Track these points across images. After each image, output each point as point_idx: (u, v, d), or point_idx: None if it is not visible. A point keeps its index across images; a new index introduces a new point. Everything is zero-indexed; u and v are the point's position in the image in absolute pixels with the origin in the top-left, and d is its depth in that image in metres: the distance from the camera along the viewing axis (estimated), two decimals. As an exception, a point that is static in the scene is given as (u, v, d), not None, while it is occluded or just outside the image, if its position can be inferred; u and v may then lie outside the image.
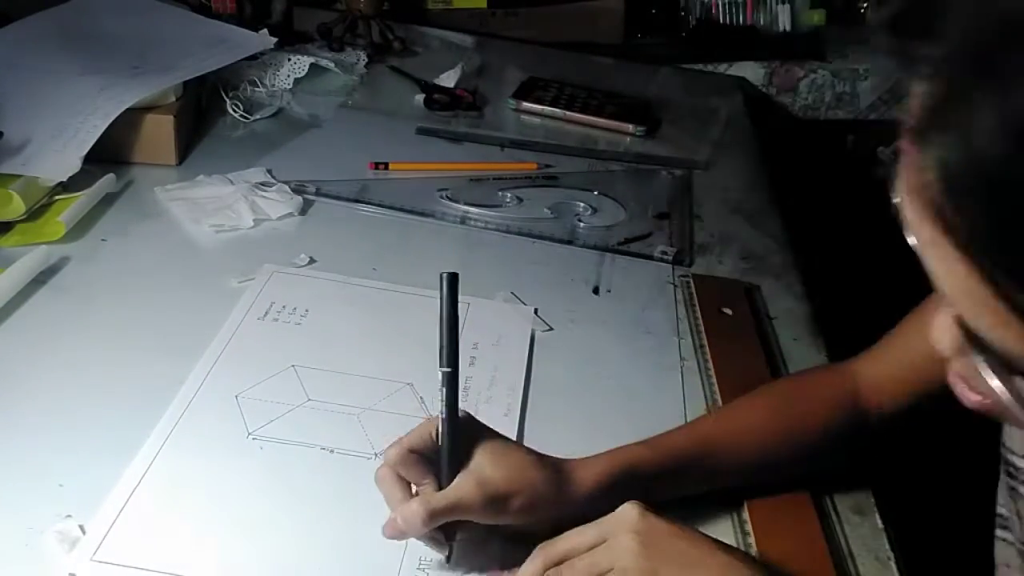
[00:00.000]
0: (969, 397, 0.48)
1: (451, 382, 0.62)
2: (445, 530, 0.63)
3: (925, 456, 1.09)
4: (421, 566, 0.64)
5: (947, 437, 1.10)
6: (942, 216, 0.38)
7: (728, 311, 0.93)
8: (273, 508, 0.67)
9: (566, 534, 0.61)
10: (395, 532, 0.62)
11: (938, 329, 0.46)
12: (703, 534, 0.61)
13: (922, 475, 1.06)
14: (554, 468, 0.65)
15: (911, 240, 0.42)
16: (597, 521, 0.61)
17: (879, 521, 0.73)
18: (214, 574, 0.62)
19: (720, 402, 0.81)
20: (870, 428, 0.76)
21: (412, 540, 0.64)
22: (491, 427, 0.66)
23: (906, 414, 0.75)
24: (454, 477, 0.62)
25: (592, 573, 0.59)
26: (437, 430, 0.63)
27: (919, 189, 0.39)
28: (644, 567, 0.58)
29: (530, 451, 0.66)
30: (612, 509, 0.63)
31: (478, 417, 0.66)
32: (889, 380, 0.75)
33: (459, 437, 0.63)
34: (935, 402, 0.73)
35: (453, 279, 0.62)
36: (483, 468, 0.62)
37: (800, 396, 0.77)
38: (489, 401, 0.79)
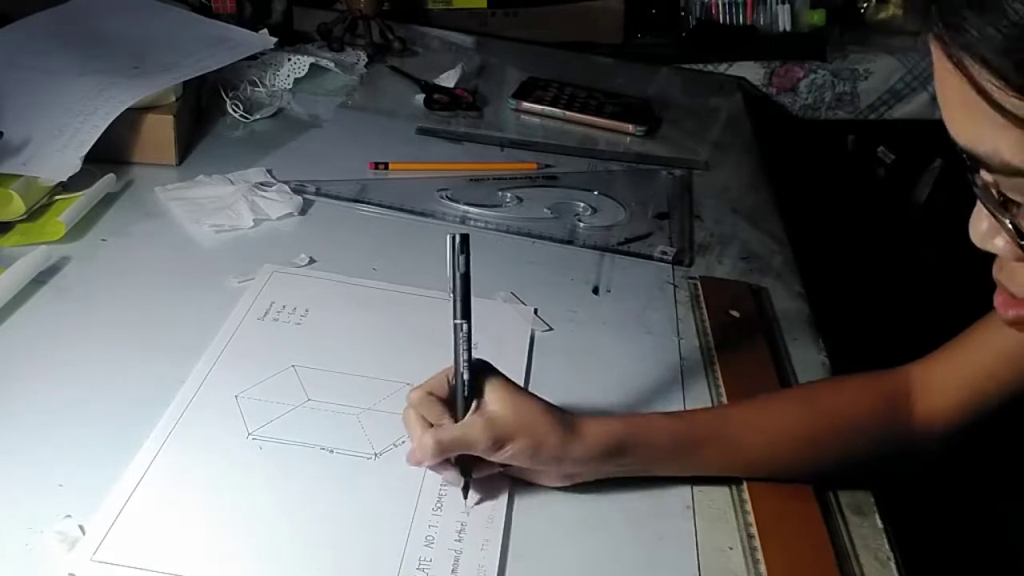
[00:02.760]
0: (1007, 313, 0.52)
1: (465, 333, 0.68)
2: (462, 467, 0.69)
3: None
4: (421, 566, 0.64)
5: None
6: (944, 29, 0.42)
7: (736, 313, 0.93)
8: (273, 508, 0.67)
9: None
10: (414, 460, 0.69)
11: (974, 221, 0.49)
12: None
13: (922, 475, 1.06)
14: (562, 420, 0.69)
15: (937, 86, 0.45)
16: None
17: (879, 521, 0.73)
18: (214, 574, 0.62)
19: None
20: (915, 439, 0.75)
21: (412, 543, 0.65)
22: (506, 375, 0.71)
23: (957, 423, 0.74)
24: (466, 415, 0.69)
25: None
26: (453, 376, 0.69)
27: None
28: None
29: (541, 401, 0.70)
30: (615, 470, 0.70)
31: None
32: (945, 382, 0.74)
33: (472, 381, 0.69)
34: (989, 417, 0.72)
35: (464, 240, 0.67)
36: (492, 410, 0.68)
37: (838, 398, 0.76)
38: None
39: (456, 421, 0.69)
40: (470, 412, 0.68)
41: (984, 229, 0.49)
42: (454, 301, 0.68)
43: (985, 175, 0.46)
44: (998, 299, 0.52)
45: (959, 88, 0.42)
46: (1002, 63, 0.40)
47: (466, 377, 0.68)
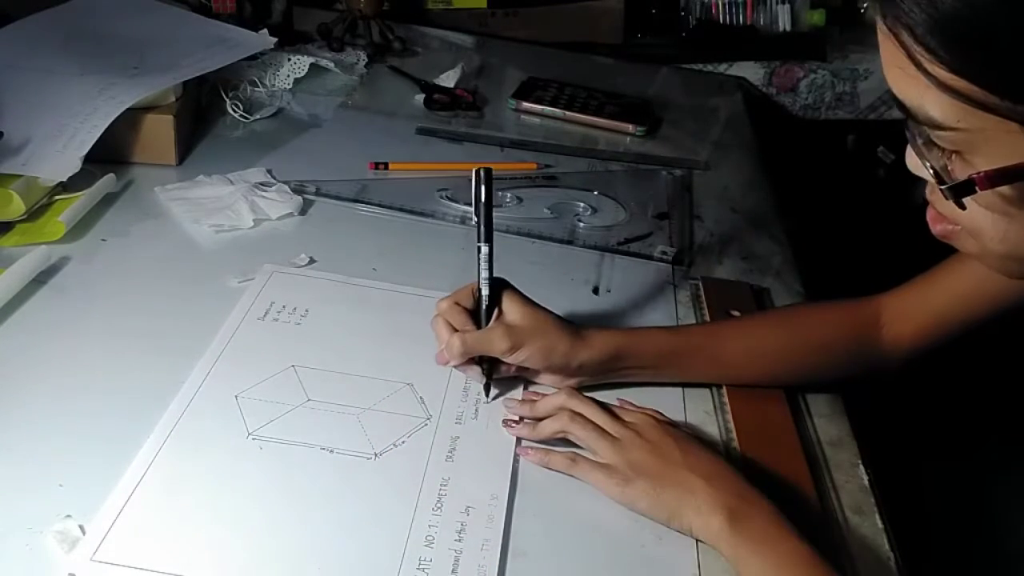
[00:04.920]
0: (935, 227, 0.58)
1: (487, 255, 0.78)
2: (487, 370, 0.78)
3: (926, 456, 1.09)
4: (421, 566, 0.64)
5: (949, 436, 1.10)
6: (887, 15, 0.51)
7: (736, 313, 0.93)
8: (273, 508, 0.67)
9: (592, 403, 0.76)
10: (441, 360, 0.79)
11: (908, 154, 0.56)
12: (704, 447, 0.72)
13: (923, 475, 1.06)
14: (570, 329, 0.79)
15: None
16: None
17: (879, 521, 0.73)
18: (214, 574, 0.62)
19: (727, 404, 0.82)
20: (881, 360, 0.83)
21: (412, 543, 0.65)
22: (523, 292, 0.81)
23: (923, 348, 0.82)
24: (488, 323, 0.79)
25: (604, 426, 0.73)
26: (477, 290, 0.79)
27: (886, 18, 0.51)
28: (655, 442, 0.72)
29: (552, 313, 0.80)
30: (616, 376, 0.80)
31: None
32: (915, 310, 0.82)
33: (493, 296, 0.79)
34: (955, 343, 0.81)
35: (487, 173, 0.77)
36: (510, 319, 0.78)
37: (813, 321, 0.85)
38: (489, 400, 0.79)
39: (479, 328, 0.78)
40: (492, 321, 0.78)
41: (913, 162, 0.56)
42: (477, 226, 0.78)
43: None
44: (929, 214, 0.58)
45: (894, 51, 0.50)
46: (929, 38, 0.48)
47: (485, 292, 0.78)
